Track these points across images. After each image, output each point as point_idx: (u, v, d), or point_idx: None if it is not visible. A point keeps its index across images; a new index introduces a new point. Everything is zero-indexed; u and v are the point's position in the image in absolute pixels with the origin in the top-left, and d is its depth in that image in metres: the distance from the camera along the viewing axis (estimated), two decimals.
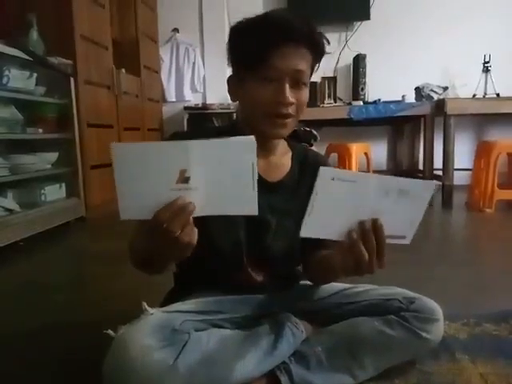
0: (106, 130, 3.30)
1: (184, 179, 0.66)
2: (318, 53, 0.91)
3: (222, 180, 0.68)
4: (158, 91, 4.46)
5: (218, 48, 4.04)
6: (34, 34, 2.52)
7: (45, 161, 2.60)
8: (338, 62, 4.32)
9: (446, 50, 4.17)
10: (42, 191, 2.54)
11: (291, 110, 0.88)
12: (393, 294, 1.01)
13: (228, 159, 0.67)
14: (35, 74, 2.45)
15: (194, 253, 0.72)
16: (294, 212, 0.94)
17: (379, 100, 3.74)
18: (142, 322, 0.82)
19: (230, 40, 0.92)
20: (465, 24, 4.12)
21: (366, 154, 3.66)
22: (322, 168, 0.71)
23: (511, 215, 3.04)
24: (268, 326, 0.92)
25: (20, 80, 2.34)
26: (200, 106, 4.30)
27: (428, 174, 3.63)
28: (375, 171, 3.84)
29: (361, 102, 3.76)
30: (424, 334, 0.94)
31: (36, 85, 2.49)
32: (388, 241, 0.77)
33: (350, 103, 3.84)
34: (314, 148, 1.13)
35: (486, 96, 3.55)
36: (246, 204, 0.69)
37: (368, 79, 3.98)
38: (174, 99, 4.57)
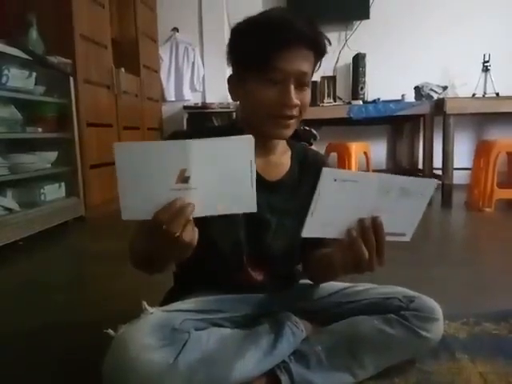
0: (105, 129, 3.29)
1: (184, 179, 0.67)
2: (319, 53, 0.91)
3: (221, 178, 0.68)
4: (157, 90, 4.46)
5: (218, 47, 4.05)
6: (34, 34, 2.51)
7: (44, 160, 2.60)
8: (337, 62, 4.32)
9: (446, 50, 4.17)
10: (42, 190, 2.54)
11: (295, 111, 0.88)
12: (393, 293, 1.01)
13: (227, 157, 0.67)
14: (35, 74, 2.45)
15: (193, 253, 0.72)
16: (293, 211, 0.94)
17: (379, 99, 3.74)
18: (142, 321, 0.82)
19: (231, 40, 0.92)
20: (464, 24, 4.12)
21: (365, 153, 3.66)
22: (324, 169, 0.71)
23: (511, 214, 3.05)
24: (268, 325, 0.92)
25: (19, 79, 2.34)
26: (199, 105, 4.30)
27: (427, 173, 3.63)
28: (375, 170, 3.84)
29: (360, 102, 3.76)
30: (424, 333, 0.94)
31: (35, 84, 2.49)
32: (388, 238, 0.78)
33: (349, 102, 3.85)
34: (313, 147, 1.13)
35: (486, 95, 3.55)
36: (245, 201, 0.70)
37: (368, 78, 3.98)
38: (173, 98, 4.57)
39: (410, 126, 4.36)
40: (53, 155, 2.66)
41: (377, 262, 0.78)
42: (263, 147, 0.95)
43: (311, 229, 0.75)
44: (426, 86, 3.65)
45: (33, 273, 1.96)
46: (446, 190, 3.26)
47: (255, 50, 0.85)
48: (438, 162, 3.45)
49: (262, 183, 0.82)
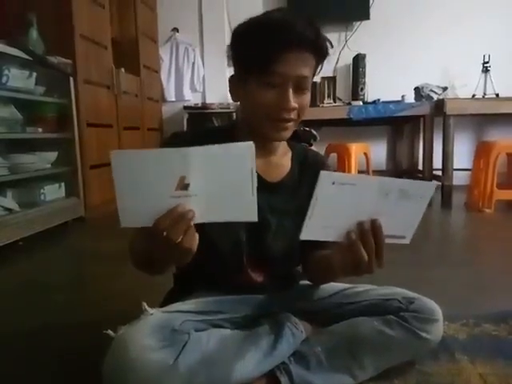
0: (105, 129, 3.29)
1: (183, 186, 0.66)
2: (320, 57, 0.90)
3: (222, 186, 0.68)
4: (157, 91, 4.46)
5: (218, 48, 4.04)
6: (34, 34, 2.51)
7: (44, 160, 2.60)
8: (337, 62, 4.32)
9: (446, 50, 4.17)
10: (42, 191, 2.54)
11: (293, 114, 0.88)
12: (392, 294, 1.01)
13: (227, 165, 0.67)
14: (35, 74, 2.45)
15: (194, 257, 0.72)
16: (293, 212, 0.94)
17: (379, 100, 3.74)
18: (142, 322, 0.82)
19: (232, 42, 0.91)
20: (465, 24, 4.12)
21: (365, 153, 3.66)
22: (322, 172, 0.71)
23: (510, 215, 3.05)
24: (268, 326, 0.93)
25: (20, 79, 2.34)
26: (200, 105, 4.30)
27: (427, 174, 3.63)
28: (374, 171, 3.85)
29: (360, 102, 3.76)
30: (423, 335, 0.95)
31: (36, 84, 2.49)
32: (387, 241, 0.78)
33: (349, 103, 3.85)
34: (313, 148, 1.13)
35: (486, 96, 3.56)
36: (246, 210, 0.69)
37: (367, 79, 3.98)
38: (173, 99, 4.57)
39: (409, 127, 4.36)
40: (53, 155, 2.66)
41: (376, 264, 0.78)
42: (264, 148, 0.95)
43: (310, 231, 0.75)
44: (426, 86, 3.65)
45: (33, 273, 1.96)
46: (446, 191, 3.27)
47: (255, 52, 0.85)
48: (437, 162, 3.45)
49: (262, 184, 0.82)
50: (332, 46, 0.92)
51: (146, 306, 0.85)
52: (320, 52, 0.89)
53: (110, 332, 0.82)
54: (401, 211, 0.77)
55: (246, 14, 0.89)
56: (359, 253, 0.76)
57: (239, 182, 0.67)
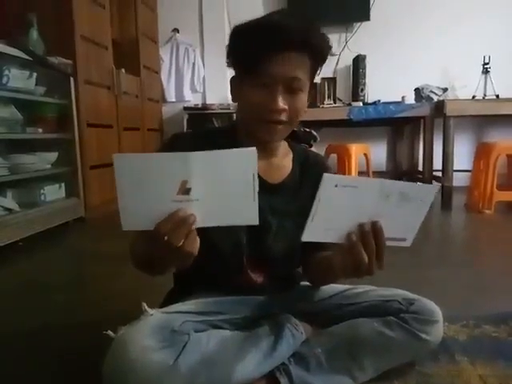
0: (105, 130, 3.30)
1: (185, 190, 0.66)
2: (318, 58, 0.90)
3: (223, 191, 0.68)
4: (157, 91, 4.46)
5: (218, 48, 4.04)
6: (34, 34, 2.51)
7: (44, 161, 2.60)
8: (337, 63, 4.32)
9: (446, 51, 4.17)
10: (42, 191, 2.54)
11: (283, 116, 0.88)
12: (392, 296, 1.01)
13: (229, 170, 0.67)
14: (35, 74, 2.45)
15: (194, 258, 0.72)
16: (294, 213, 0.94)
17: (379, 101, 3.75)
18: (142, 322, 0.82)
19: (229, 42, 0.92)
20: (465, 24, 4.12)
21: (365, 154, 3.66)
22: (325, 175, 0.71)
23: (510, 217, 3.05)
24: (268, 327, 0.92)
25: (20, 80, 2.34)
26: (200, 106, 4.30)
27: (427, 175, 3.63)
28: (374, 172, 3.85)
29: (360, 103, 3.76)
30: (423, 336, 0.94)
31: (36, 85, 2.49)
32: (388, 243, 0.78)
33: (349, 104, 3.85)
34: (313, 149, 1.13)
35: (486, 97, 3.56)
36: (247, 214, 0.69)
37: (368, 80, 3.98)
38: (173, 99, 4.57)
39: (410, 128, 4.36)
40: (53, 156, 2.66)
41: (376, 266, 0.78)
42: (265, 150, 0.95)
43: (311, 233, 0.75)
44: (426, 87, 3.66)
45: (33, 273, 1.96)
46: (446, 192, 3.26)
47: (247, 52, 0.86)
48: (438, 163, 3.45)
49: (263, 186, 0.82)
50: (331, 48, 0.91)
51: (146, 307, 0.85)
52: (316, 53, 0.88)
53: (109, 332, 0.82)
54: (401, 214, 0.77)
55: (247, 14, 0.90)
56: (360, 254, 0.76)
57: (241, 187, 0.68)
